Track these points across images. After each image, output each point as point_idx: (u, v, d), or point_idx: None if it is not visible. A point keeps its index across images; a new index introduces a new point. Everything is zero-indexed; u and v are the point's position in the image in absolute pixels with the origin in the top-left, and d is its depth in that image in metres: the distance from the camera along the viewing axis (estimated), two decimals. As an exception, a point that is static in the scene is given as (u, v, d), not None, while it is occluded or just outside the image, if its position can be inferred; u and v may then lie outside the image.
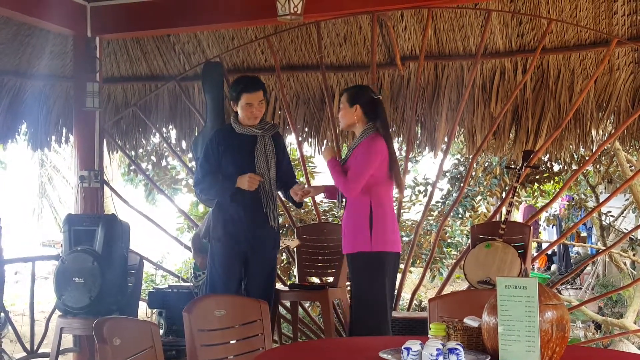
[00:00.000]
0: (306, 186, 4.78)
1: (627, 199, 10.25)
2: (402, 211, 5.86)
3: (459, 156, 9.70)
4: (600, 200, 8.94)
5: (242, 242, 4.39)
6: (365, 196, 4.08)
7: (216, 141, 4.45)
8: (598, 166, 9.08)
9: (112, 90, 7.00)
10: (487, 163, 9.18)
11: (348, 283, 4.78)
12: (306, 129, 6.41)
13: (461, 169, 9.46)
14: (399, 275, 6.65)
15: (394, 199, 4.44)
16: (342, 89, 4.37)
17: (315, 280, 5.89)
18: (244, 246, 4.40)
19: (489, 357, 2.31)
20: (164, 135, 6.91)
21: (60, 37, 6.32)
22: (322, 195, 4.84)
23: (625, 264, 9.38)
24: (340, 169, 4.13)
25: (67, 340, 5.49)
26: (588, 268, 11.61)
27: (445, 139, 5.92)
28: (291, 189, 4.44)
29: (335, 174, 4.15)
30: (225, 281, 4.39)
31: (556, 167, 8.93)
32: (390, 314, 4.27)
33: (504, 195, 8.60)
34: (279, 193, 4.75)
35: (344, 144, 6.06)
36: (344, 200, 4.23)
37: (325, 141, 6.34)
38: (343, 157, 4.33)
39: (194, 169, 6.15)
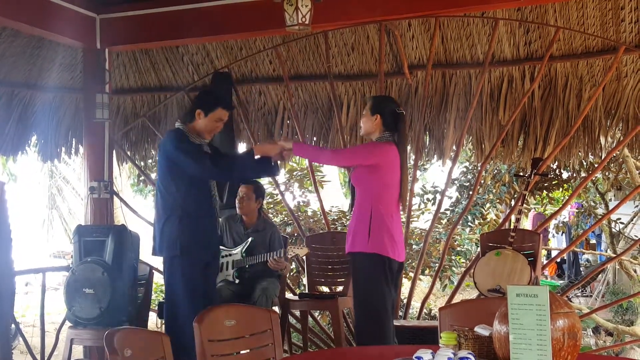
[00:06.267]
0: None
1: (637, 206, 10.20)
2: (410, 219, 5.84)
3: (467, 164, 9.69)
4: (610, 208, 8.90)
5: (209, 250, 4.34)
6: (368, 199, 4.09)
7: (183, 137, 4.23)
8: (607, 173, 9.05)
9: (121, 101, 7.04)
10: (495, 171, 9.17)
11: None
12: (314, 138, 6.42)
13: (469, 177, 9.45)
14: (408, 284, 6.66)
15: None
16: (370, 96, 4.25)
17: (325, 289, 5.90)
18: (209, 255, 4.35)
19: (500, 366, 2.30)
20: (173, 145, 6.92)
21: (69, 49, 6.36)
22: (330, 204, 4.84)
23: (635, 271, 9.32)
24: (310, 146, 4.01)
25: (78, 351, 5.50)
26: (598, 275, 11.55)
27: (454, 147, 5.93)
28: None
29: (311, 151, 4.13)
30: (204, 291, 4.25)
31: (565, 175, 8.93)
32: (392, 320, 4.24)
33: (513, 202, 8.59)
34: None
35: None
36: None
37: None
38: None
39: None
